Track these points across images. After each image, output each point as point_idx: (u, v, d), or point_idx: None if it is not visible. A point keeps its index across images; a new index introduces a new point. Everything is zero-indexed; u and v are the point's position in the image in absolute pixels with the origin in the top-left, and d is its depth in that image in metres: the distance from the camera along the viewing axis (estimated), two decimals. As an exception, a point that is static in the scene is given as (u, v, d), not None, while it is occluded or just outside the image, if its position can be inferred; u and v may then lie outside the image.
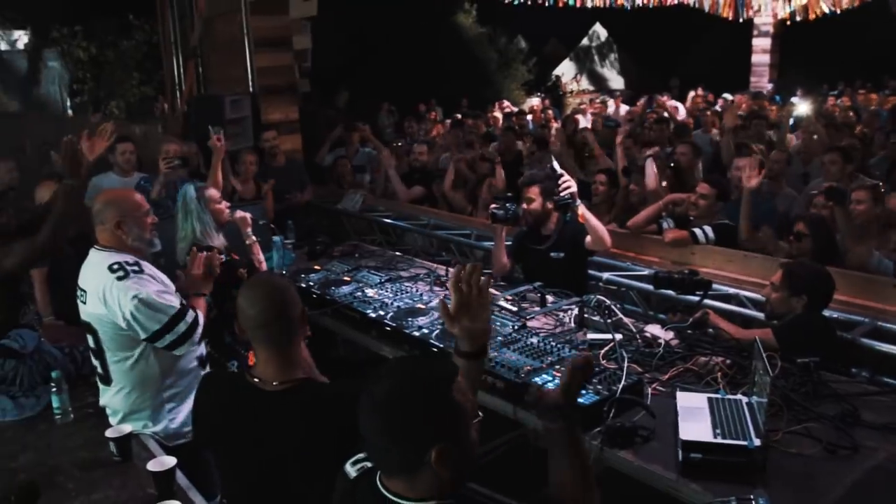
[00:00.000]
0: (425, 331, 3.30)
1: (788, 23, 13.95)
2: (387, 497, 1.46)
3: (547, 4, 14.04)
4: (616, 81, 22.36)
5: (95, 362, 2.90)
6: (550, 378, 2.79)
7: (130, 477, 2.60)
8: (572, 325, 3.44)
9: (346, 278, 4.12)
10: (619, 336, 3.18)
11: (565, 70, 22.20)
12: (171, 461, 2.45)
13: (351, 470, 1.59)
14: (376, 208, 6.29)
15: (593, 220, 3.79)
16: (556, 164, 3.73)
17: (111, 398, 2.90)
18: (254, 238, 3.75)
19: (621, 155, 5.19)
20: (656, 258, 4.33)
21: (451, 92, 14.78)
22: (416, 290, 3.89)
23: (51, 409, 3.12)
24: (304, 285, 4.07)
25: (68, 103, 14.52)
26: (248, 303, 1.98)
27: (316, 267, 4.41)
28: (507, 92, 18.09)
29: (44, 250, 3.24)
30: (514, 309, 3.51)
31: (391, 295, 3.80)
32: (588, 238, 3.86)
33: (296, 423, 1.94)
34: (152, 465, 2.45)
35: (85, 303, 2.79)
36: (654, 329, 3.29)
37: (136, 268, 2.76)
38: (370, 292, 3.86)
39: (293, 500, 1.99)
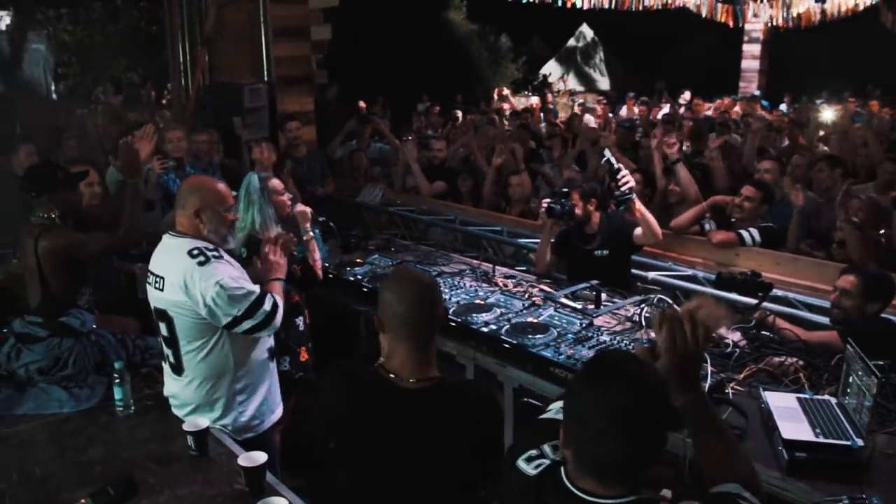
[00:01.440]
0: (493, 326, 3.27)
1: (782, 29, 14.10)
2: (577, 495, 1.43)
3: (535, 2, 14.00)
4: (602, 82, 22.50)
5: (167, 351, 2.81)
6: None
7: (212, 472, 2.53)
8: (629, 323, 3.44)
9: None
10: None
11: (552, 69, 22.28)
12: (261, 457, 2.38)
13: (527, 467, 1.55)
14: (396, 202, 6.22)
15: (648, 214, 3.80)
16: (612, 159, 3.70)
17: (181, 389, 2.82)
18: (311, 234, 3.65)
19: (658, 157, 5.20)
20: (698, 258, 4.34)
21: (443, 88, 14.73)
22: (469, 286, 3.86)
23: (108, 401, 3.04)
24: (351, 279, 4.01)
25: (52, 87, 14.16)
26: (397, 299, 1.91)
27: (358, 260, 4.34)
28: (496, 90, 18.09)
29: (122, 245, 3.53)
30: (578, 307, 3.48)
31: (446, 290, 3.76)
32: (638, 231, 3.86)
33: (429, 422, 1.90)
34: (243, 461, 2.38)
35: (162, 289, 2.71)
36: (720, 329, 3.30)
37: (215, 253, 2.70)
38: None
39: (413, 497, 1.94)
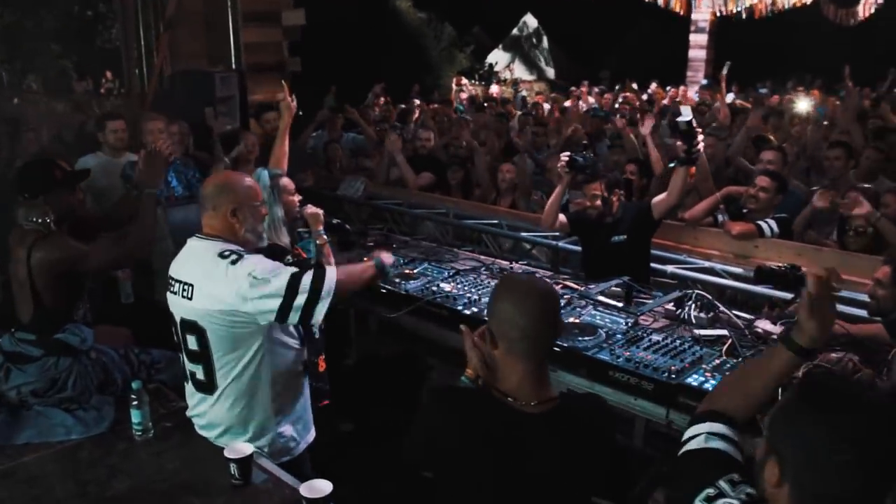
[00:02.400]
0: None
1: (733, 19, 14.34)
2: None
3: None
4: (548, 71, 22.56)
5: (194, 367, 2.51)
6: (704, 378, 2.64)
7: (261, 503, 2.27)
8: (667, 320, 3.31)
9: (408, 271, 3.82)
10: (724, 332, 3.10)
11: (498, 58, 22.20)
12: (327, 486, 2.14)
13: None
14: (381, 195, 5.96)
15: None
16: (693, 120, 3.64)
17: (210, 408, 2.53)
18: (325, 238, 3.32)
19: (652, 146, 5.10)
20: (714, 251, 4.25)
21: (395, 78, 14.43)
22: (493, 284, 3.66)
23: (120, 424, 2.74)
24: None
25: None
26: (517, 310, 1.69)
27: (365, 259, 4.07)
28: (446, 79, 17.90)
29: (130, 255, 3.11)
30: (620, 305, 3.33)
31: (471, 289, 3.55)
32: (658, 198, 3.85)
33: (561, 450, 1.70)
34: (306, 491, 2.13)
35: (190, 298, 2.41)
36: (764, 324, 3.21)
37: (246, 252, 2.44)
38: (446, 287, 3.59)
39: None
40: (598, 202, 3.87)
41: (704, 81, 15.23)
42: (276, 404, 2.56)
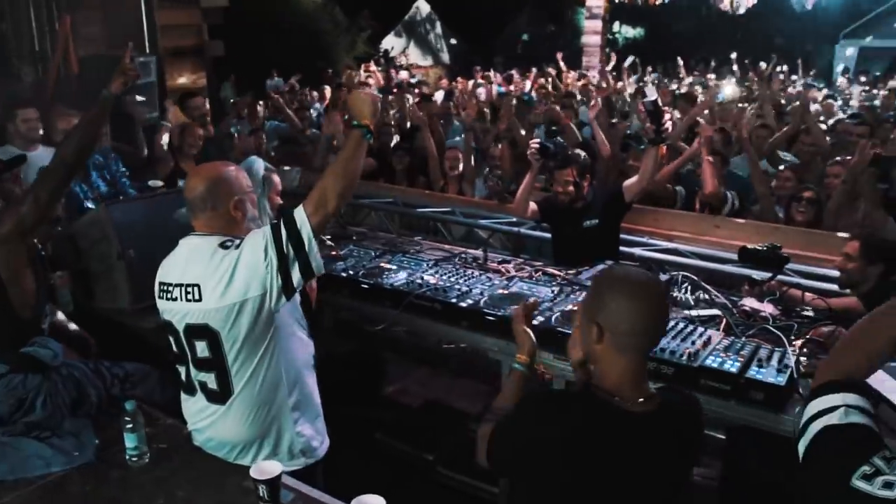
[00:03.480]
0: (541, 318, 3.01)
1: (629, 4, 14.80)
2: None
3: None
4: (443, 56, 22.59)
5: (204, 376, 2.28)
6: (721, 359, 2.66)
7: (298, 527, 2.09)
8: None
9: (385, 265, 3.65)
10: (717, 311, 3.16)
11: (392, 44, 21.99)
12: (379, 502, 1.98)
13: (872, 488, 1.33)
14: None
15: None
16: (659, 101, 3.74)
17: (222, 418, 2.31)
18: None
19: (597, 129, 5.16)
20: (675, 231, 4.34)
21: (291, 62, 13.95)
22: (479, 275, 3.56)
23: (106, 450, 2.45)
24: (343, 275, 3.56)
25: None
26: (631, 304, 1.60)
27: (333, 254, 3.87)
28: (341, 64, 17.51)
29: (70, 170, 2.69)
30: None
31: (459, 280, 3.43)
32: (629, 181, 3.91)
33: (670, 448, 1.65)
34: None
35: (199, 299, 2.19)
36: (751, 302, 3.28)
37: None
38: (430, 279, 3.45)
39: None
40: (571, 188, 3.86)
41: (598, 66, 15.73)
42: (294, 402, 2.38)
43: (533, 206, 4.01)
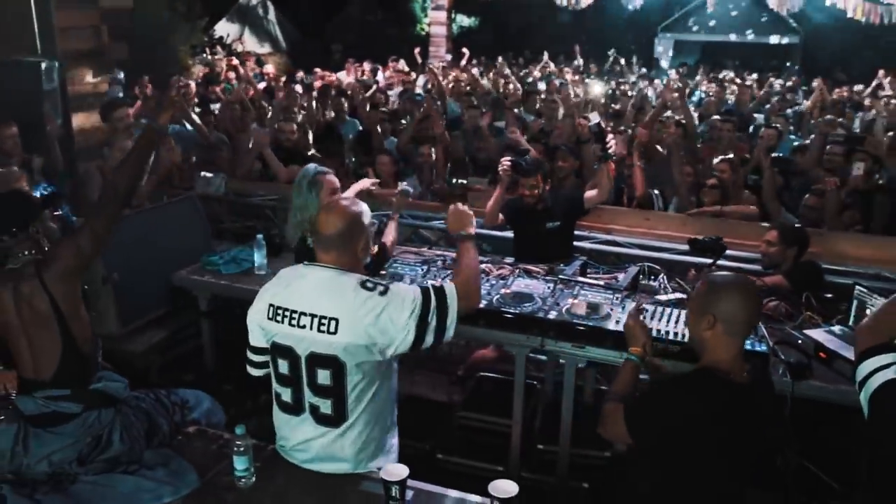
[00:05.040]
0: (553, 314, 3.37)
1: None
2: None
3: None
4: (282, 44, 22.08)
5: (319, 401, 2.43)
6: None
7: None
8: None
9: (382, 272, 3.84)
10: (681, 295, 3.73)
11: (227, 30, 21.13)
12: (512, 487, 2.27)
13: None
14: (246, 191, 5.70)
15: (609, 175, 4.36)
16: (601, 122, 4.15)
17: (333, 441, 2.47)
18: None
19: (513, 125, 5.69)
20: (614, 225, 4.90)
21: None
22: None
23: (220, 476, 2.54)
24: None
25: None
26: (744, 301, 2.14)
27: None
28: (175, 53, 16.62)
29: (123, 200, 2.68)
30: (601, 284, 3.76)
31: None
32: (590, 193, 4.39)
33: (766, 413, 2.13)
34: (496, 492, 2.26)
35: (334, 332, 2.33)
36: (705, 285, 3.90)
37: (381, 281, 2.48)
38: (433, 283, 3.70)
39: (741, 488, 2.18)
40: (537, 191, 4.29)
41: (449, 57, 16.27)
42: (389, 422, 2.59)
43: (500, 217, 4.43)
